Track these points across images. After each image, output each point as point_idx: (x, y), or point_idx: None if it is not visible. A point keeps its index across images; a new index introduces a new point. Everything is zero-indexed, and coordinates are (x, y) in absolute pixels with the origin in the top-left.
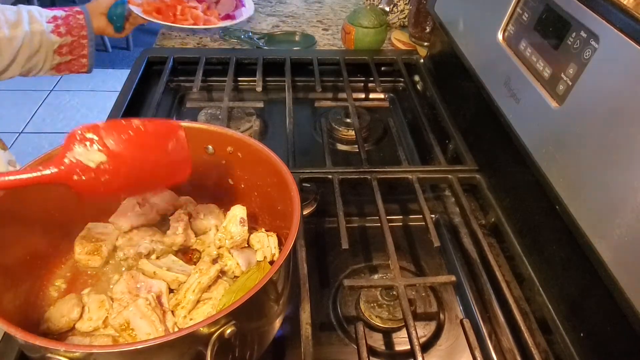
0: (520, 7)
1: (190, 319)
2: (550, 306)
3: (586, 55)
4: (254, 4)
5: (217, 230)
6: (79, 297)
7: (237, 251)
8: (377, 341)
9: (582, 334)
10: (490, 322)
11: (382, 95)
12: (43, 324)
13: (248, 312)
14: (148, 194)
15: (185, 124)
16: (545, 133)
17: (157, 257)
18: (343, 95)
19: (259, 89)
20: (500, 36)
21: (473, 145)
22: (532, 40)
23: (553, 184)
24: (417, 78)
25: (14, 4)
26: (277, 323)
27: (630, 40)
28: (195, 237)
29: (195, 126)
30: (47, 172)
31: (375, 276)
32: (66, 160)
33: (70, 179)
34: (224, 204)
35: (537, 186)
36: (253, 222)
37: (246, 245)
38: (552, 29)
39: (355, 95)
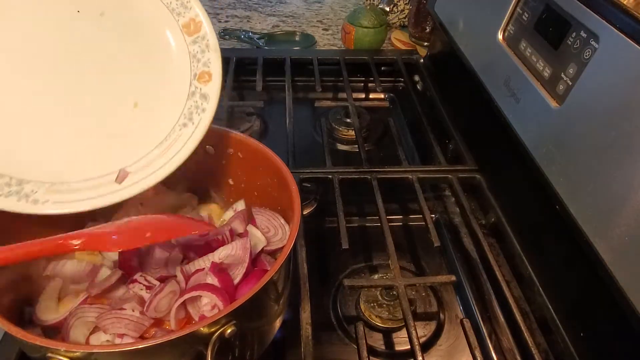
0: (520, 7)
1: None
2: (550, 306)
3: (586, 55)
4: (254, 4)
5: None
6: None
7: None
8: (377, 341)
9: (582, 334)
10: (490, 322)
11: (382, 95)
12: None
13: (248, 312)
14: (149, 194)
15: None
16: (545, 133)
17: None
18: (343, 95)
19: (259, 88)
20: (500, 36)
21: (473, 145)
22: (532, 40)
23: (553, 184)
24: (417, 78)
25: None
26: (277, 323)
27: (630, 40)
28: None
29: None
30: None
31: (375, 276)
32: None
33: None
34: (224, 204)
35: (537, 186)
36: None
37: None
38: (552, 29)
39: (355, 95)
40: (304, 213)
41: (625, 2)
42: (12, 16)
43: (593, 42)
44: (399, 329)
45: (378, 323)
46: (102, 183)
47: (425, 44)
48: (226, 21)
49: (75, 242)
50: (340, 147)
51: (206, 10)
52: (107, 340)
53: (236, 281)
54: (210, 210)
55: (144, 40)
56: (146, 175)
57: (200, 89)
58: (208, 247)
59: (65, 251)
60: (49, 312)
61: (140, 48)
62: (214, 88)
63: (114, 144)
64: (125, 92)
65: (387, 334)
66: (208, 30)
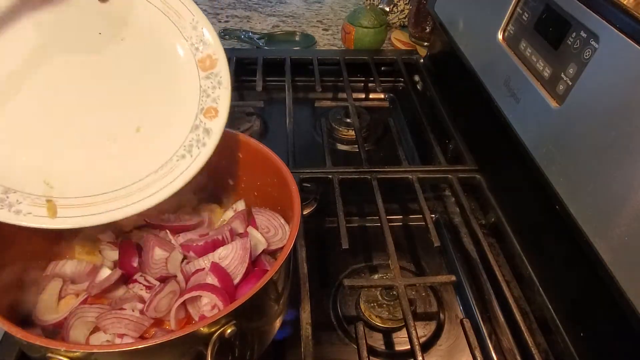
0: (520, 7)
1: None
2: (550, 306)
3: (586, 55)
4: (254, 4)
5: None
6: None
7: None
8: (377, 341)
9: (582, 334)
10: (490, 322)
11: (382, 95)
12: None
13: (248, 312)
14: None
15: None
16: (545, 133)
17: None
18: (343, 95)
19: (259, 88)
20: (500, 36)
21: (473, 145)
22: (532, 40)
23: (553, 184)
24: (417, 78)
25: None
26: (277, 323)
27: (630, 40)
28: None
29: None
30: None
31: (375, 276)
32: None
33: None
34: (224, 204)
35: (537, 186)
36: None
37: None
38: (552, 29)
39: (355, 95)
40: (304, 213)
41: (625, 2)
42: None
43: (593, 42)
44: (399, 329)
45: (378, 323)
46: (89, 203)
47: (425, 44)
48: (226, 21)
49: None
50: (340, 147)
51: (206, 10)
52: (107, 340)
53: (236, 281)
54: (210, 210)
55: (158, 69)
56: (136, 201)
57: (205, 123)
58: (208, 247)
59: None
60: (49, 312)
61: (153, 75)
62: (218, 124)
63: (111, 166)
64: (131, 116)
65: (387, 334)
66: (223, 67)
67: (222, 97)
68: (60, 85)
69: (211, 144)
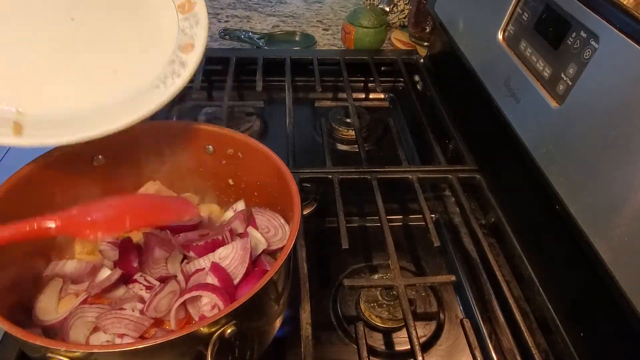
0: (520, 7)
1: None
2: (550, 306)
3: (586, 55)
4: (254, 4)
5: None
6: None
7: None
8: (377, 341)
9: (582, 334)
10: (490, 322)
11: (382, 95)
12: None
13: (248, 312)
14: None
15: (185, 123)
16: (545, 133)
17: None
18: (343, 95)
19: (259, 88)
20: (500, 36)
21: (473, 145)
22: (532, 40)
23: (553, 184)
24: (417, 78)
25: None
26: (277, 323)
27: (630, 40)
28: None
29: (195, 126)
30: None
31: (375, 276)
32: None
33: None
34: (224, 204)
35: (537, 186)
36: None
37: None
38: (552, 29)
39: (355, 95)
40: (304, 213)
41: (625, 2)
42: None
43: (593, 42)
44: (399, 329)
45: (378, 323)
46: (56, 127)
47: (425, 44)
48: (226, 21)
49: (50, 223)
50: (340, 147)
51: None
52: (107, 340)
53: (236, 281)
54: (210, 210)
55: (138, 12)
56: (100, 125)
57: (181, 57)
58: (208, 247)
59: (40, 235)
60: (49, 312)
61: (132, 18)
62: (194, 57)
63: (84, 101)
64: (108, 60)
65: (387, 334)
66: (201, 9)
67: (199, 34)
68: (42, 25)
69: (185, 75)
